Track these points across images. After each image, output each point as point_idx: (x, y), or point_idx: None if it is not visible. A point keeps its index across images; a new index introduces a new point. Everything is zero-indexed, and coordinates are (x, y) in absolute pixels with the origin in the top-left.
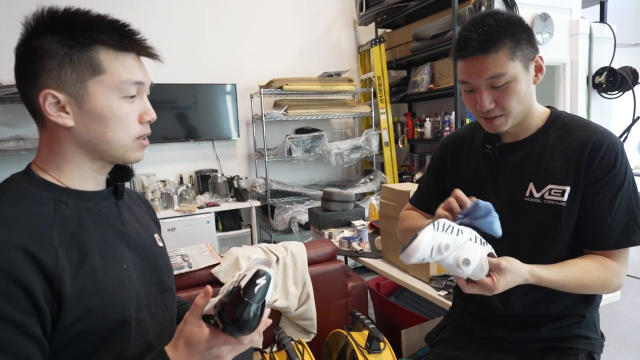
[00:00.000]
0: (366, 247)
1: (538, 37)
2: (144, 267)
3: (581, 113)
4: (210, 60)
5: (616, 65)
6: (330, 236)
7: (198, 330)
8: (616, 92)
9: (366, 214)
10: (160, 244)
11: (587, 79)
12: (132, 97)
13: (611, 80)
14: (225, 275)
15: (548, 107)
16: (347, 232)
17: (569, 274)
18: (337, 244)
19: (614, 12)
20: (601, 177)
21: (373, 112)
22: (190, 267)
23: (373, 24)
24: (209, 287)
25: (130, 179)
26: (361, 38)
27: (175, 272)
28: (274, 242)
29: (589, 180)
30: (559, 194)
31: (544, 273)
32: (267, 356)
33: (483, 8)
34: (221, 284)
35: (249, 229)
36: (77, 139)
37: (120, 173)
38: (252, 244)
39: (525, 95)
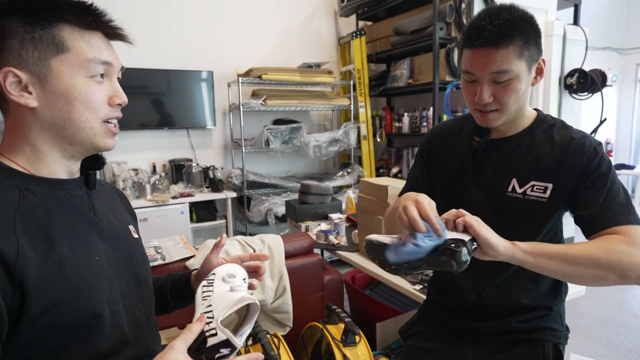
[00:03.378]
0: (343, 240)
1: None
2: (118, 258)
3: (553, 112)
4: (187, 45)
5: (587, 68)
6: (307, 229)
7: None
8: (586, 93)
9: (343, 207)
10: (136, 236)
11: (560, 79)
12: (100, 76)
13: (582, 82)
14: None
15: (535, 109)
16: (324, 225)
17: (565, 245)
18: (314, 237)
19: (585, 16)
20: (591, 172)
21: (352, 105)
22: (164, 260)
23: (354, 16)
24: (203, 315)
25: (102, 167)
26: (342, 29)
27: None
28: (250, 234)
29: (581, 177)
30: (541, 191)
31: (532, 243)
32: (242, 350)
33: (463, 5)
34: None
35: (224, 220)
36: (42, 121)
37: (92, 162)
38: (227, 236)
39: (523, 94)
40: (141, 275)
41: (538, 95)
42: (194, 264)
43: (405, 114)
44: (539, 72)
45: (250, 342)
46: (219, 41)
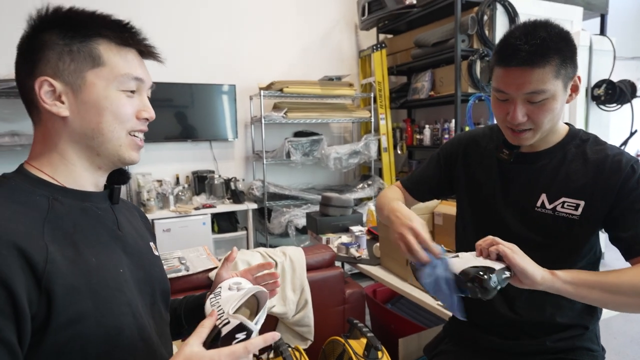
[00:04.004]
0: (364, 253)
1: None
2: (138, 274)
3: (580, 125)
4: (210, 60)
5: (615, 78)
6: (327, 241)
7: (201, 350)
8: (614, 104)
9: (364, 219)
10: (156, 253)
11: (587, 91)
12: (131, 92)
13: (610, 93)
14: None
15: (567, 123)
16: (344, 238)
17: (606, 273)
18: (335, 250)
19: (613, 26)
20: (631, 187)
21: (372, 118)
22: (188, 271)
23: (375, 29)
24: (214, 310)
25: (127, 182)
26: (362, 43)
27: (173, 275)
28: (270, 246)
29: (618, 197)
30: (573, 208)
31: (572, 272)
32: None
33: (485, 17)
34: None
35: (245, 232)
36: (71, 130)
37: (117, 176)
38: (247, 247)
39: (558, 113)
40: (155, 295)
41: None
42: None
43: (427, 126)
44: (574, 89)
45: (271, 355)
46: (242, 55)
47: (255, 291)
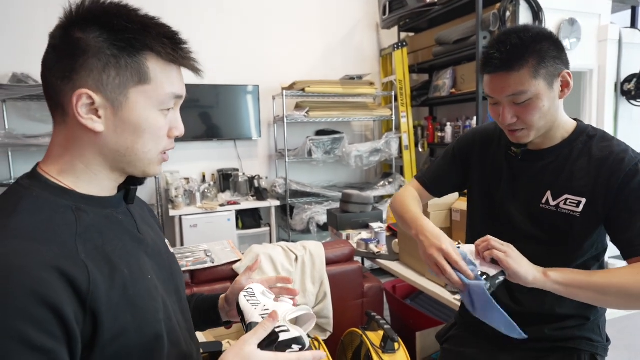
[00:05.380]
0: (383, 249)
1: (565, 43)
2: (163, 275)
3: (608, 121)
4: (235, 61)
5: None
6: (348, 237)
7: (259, 352)
8: None
9: (384, 216)
10: (172, 250)
11: (615, 85)
12: (168, 110)
13: None
14: None
15: (575, 119)
16: (364, 234)
17: (598, 272)
18: (354, 245)
19: None
20: (630, 187)
21: (394, 116)
22: (213, 263)
23: (396, 28)
24: (276, 311)
25: (143, 183)
26: (384, 41)
27: (199, 267)
28: (293, 242)
29: (617, 195)
30: (574, 205)
31: (564, 269)
32: None
33: (508, 13)
34: None
35: (268, 228)
36: (102, 146)
37: (132, 177)
38: (270, 243)
39: (549, 110)
40: (181, 291)
41: (592, 103)
42: (240, 267)
43: (448, 123)
44: (565, 85)
45: None
46: (265, 57)
47: (307, 312)
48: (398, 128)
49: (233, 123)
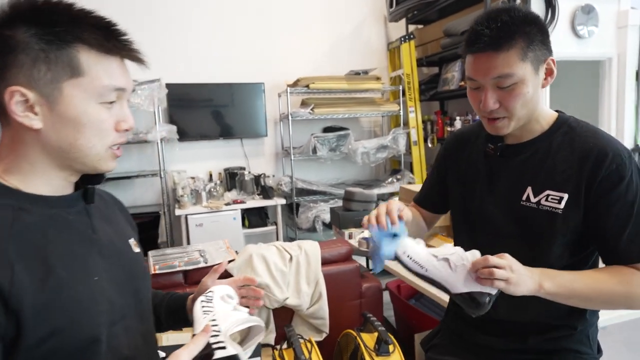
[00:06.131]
0: None
1: (582, 32)
2: (119, 276)
3: (629, 112)
4: (240, 59)
5: None
6: (350, 236)
7: None
8: None
9: None
10: (137, 250)
11: (637, 74)
12: (110, 102)
13: None
14: (238, 271)
15: (557, 111)
16: (367, 233)
17: (586, 279)
18: (356, 244)
19: None
20: (610, 189)
21: (402, 111)
22: (206, 263)
23: (404, 20)
24: (208, 325)
25: (101, 182)
26: (392, 35)
27: (192, 267)
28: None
29: (597, 193)
30: (556, 201)
31: (557, 273)
32: (276, 352)
33: (518, 1)
34: None
35: (274, 227)
36: (45, 143)
37: (90, 175)
38: (277, 241)
39: (532, 98)
40: (142, 293)
41: (610, 92)
42: (234, 267)
43: (458, 117)
44: (549, 73)
45: (284, 346)
46: (270, 53)
47: (255, 323)
48: (407, 123)
49: (239, 121)
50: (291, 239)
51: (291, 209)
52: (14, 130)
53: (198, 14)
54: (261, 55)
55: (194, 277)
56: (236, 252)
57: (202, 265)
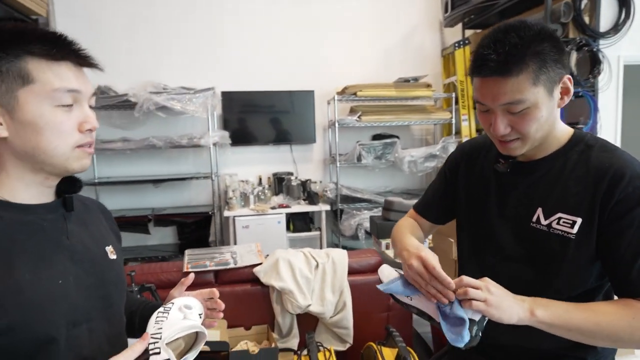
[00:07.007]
0: None
1: None
2: (89, 281)
3: None
4: (290, 67)
5: None
6: (387, 246)
7: None
8: None
9: None
10: (113, 257)
11: None
12: (68, 106)
13: None
14: (264, 274)
15: (573, 127)
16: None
17: (585, 311)
18: (390, 255)
19: None
20: (625, 212)
21: (454, 119)
22: (235, 264)
23: (460, 25)
24: (147, 333)
25: (78, 191)
26: (447, 40)
27: (222, 268)
28: (343, 247)
29: (609, 216)
30: (569, 225)
31: (552, 303)
32: (295, 358)
33: (585, 1)
34: (260, 283)
35: (318, 232)
36: (13, 149)
37: (68, 185)
38: (320, 247)
39: (547, 120)
40: (113, 298)
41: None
42: (260, 270)
43: None
44: (565, 92)
45: (305, 353)
46: (321, 61)
47: (197, 330)
48: (459, 132)
49: (290, 128)
50: (335, 245)
51: (335, 216)
52: None
53: (252, 27)
54: (312, 63)
55: (224, 278)
56: (266, 255)
57: (231, 266)
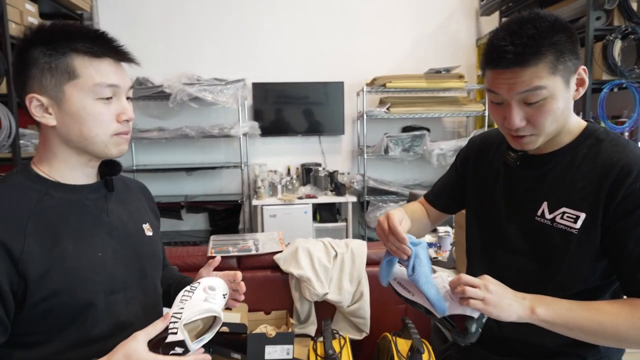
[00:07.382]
0: (444, 255)
1: None
2: (125, 254)
3: None
4: (320, 58)
5: None
6: None
7: (143, 349)
8: None
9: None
10: (149, 233)
11: None
12: (108, 98)
13: None
14: (284, 262)
15: (588, 120)
16: (428, 237)
17: (588, 310)
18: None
19: None
20: (633, 209)
21: (487, 111)
22: (257, 251)
23: (497, 13)
24: (169, 313)
25: (118, 174)
26: (484, 29)
27: (244, 254)
28: (369, 238)
29: (616, 213)
30: (572, 220)
31: (554, 301)
32: (311, 344)
33: None
34: (280, 270)
35: (344, 223)
36: (61, 136)
37: (110, 168)
38: (346, 237)
39: (563, 112)
40: (147, 270)
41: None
42: (280, 258)
43: None
44: (581, 84)
45: (321, 339)
46: (351, 52)
47: (215, 314)
48: (492, 125)
49: (319, 119)
50: (361, 237)
51: (362, 207)
52: (42, 129)
53: (284, 19)
54: (342, 54)
55: (246, 264)
56: (287, 244)
57: (253, 252)
